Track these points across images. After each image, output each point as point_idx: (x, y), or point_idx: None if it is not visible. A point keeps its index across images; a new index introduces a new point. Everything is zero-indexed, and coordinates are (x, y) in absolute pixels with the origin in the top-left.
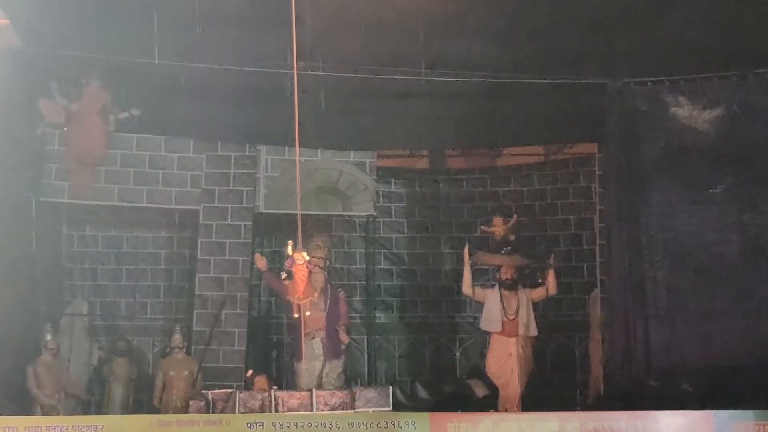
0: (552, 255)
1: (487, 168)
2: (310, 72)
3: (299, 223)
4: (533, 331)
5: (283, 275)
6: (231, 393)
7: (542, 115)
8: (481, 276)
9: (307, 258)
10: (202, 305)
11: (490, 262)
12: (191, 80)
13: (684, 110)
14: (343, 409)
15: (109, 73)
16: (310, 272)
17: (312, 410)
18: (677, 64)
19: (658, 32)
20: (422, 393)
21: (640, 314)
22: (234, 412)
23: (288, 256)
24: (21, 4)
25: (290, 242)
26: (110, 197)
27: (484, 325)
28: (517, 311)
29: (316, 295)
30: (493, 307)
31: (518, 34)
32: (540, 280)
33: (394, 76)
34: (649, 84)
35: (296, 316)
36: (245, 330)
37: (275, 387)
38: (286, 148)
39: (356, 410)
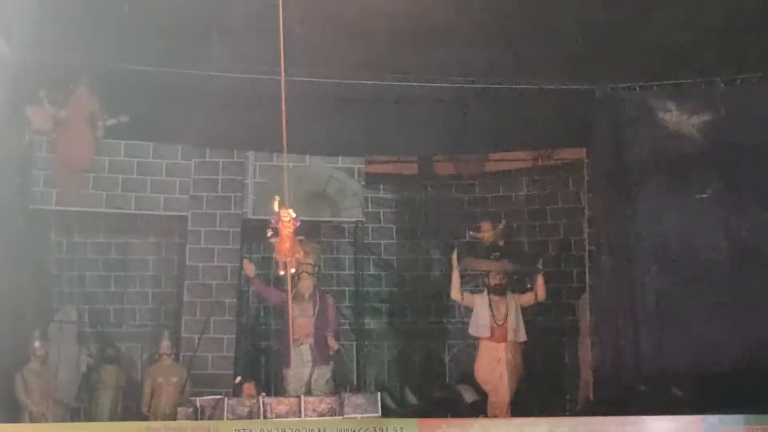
0: (541, 260)
1: (476, 173)
2: (298, 78)
3: None
4: (522, 337)
5: (269, 233)
6: (219, 399)
7: (530, 121)
8: (470, 281)
9: (294, 215)
10: (191, 312)
11: (479, 268)
12: (179, 87)
13: (672, 115)
14: (331, 416)
15: (97, 79)
16: (295, 229)
17: (300, 416)
18: (665, 70)
19: (646, 38)
20: (411, 399)
21: (629, 319)
22: (222, 419)
23: (274, 213)
24: (8, 11)
25: (277, 198)
26: (98, 204)
27: (473, 330)
28: (506, 317)
29: (302, 253)
30: (482, 313)
31: (506, 40)
32: (529, 286)
33: (382, 82)
34: (636, 89)
35: (282, 273)
36: (234, 336)
37: (264, 393)
38: (275, 154)
39: (345, 416)
